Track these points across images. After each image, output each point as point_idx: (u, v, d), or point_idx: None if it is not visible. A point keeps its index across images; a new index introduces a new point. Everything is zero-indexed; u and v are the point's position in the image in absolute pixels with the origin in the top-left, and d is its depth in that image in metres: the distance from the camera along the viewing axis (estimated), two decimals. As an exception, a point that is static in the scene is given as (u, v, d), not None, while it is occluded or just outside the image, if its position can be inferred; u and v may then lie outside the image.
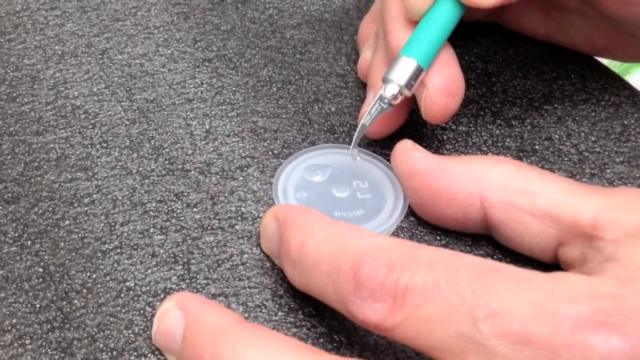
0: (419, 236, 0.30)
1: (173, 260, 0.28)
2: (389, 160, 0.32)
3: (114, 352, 0.25)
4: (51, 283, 0.28)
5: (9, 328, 0.26)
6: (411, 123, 0.34)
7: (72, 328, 0.26)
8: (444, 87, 0.30)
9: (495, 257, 0.29)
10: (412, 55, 0.30)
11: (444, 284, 0.21)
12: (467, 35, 0.40)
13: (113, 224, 0.30)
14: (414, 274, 0.21)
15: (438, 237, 0.29)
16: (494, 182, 0.27)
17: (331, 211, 0.29)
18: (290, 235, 0.25)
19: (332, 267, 0.23)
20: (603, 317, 0.20)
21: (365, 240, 0.23)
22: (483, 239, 0.29)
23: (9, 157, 0.32)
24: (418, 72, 0.30)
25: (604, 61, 0.39)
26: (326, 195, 0.30)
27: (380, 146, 0.33)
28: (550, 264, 0.27)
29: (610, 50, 0.37)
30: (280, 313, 0.27)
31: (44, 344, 0.26)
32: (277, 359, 0.21)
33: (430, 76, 0.30)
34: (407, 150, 0.29)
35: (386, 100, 0.30)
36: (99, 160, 0.32)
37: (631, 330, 0.19)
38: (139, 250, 0.29)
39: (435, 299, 0.21)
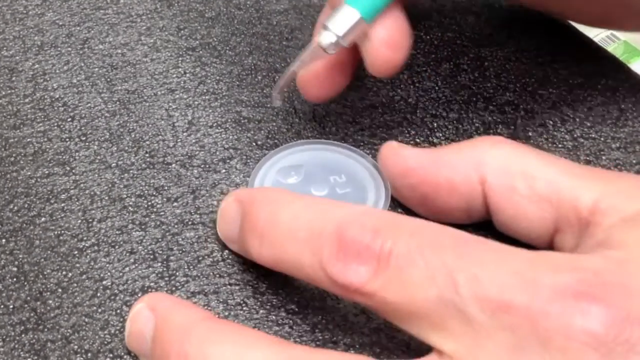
0: (406, 228, 0.28)
1: (152, 257, 0.28)
2: (368, 154, 0.31)
3: (89, 354, 0.25)
4: (25, 283, 0.27)
5: (-19, 330, 0.25)
6: (399, 111, 0.33)
7: (46, 329, 0.25)
8: (388, 40, 0.28)
9: (485, 249, 0.28)
10: (356, 6, 0.28)
11: (427, 248, 0.21)
12: (460, 18, 0.38)
13: (90, 220, 0.29)
14: (398, 239, 0.21)
15: (426, 230, 0.28)
16: (492, 165, 0.26)
17: None
18: (258, 211, 0.24)
19: (311, 232, 0.22)
20: (584, 287, 0.19)
21: (348, 208, 0.23)
22: (479, 228, 0.28)
23: (-15, 152, 0.32)
24: (360, 24, 0.28)
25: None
26: None
27: (362, 141, 0.32)
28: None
29: (609, 22, 0.35)
30: (261, 311, 0.26)
31: (16, 346, 0.25)
32: (244, 353, 0.21)
33: (374, 28, 0.28)
34: (395, 150, 0.28)
35: (322, 49, 0.28)
36: (77, 154, 0.31)
37: (613, 301, 0.19)
38: (116, 247, 0.28)
39: (417, 263, 0.20)
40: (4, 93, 0.34)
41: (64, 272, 0.27)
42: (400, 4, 0.30)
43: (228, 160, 0.31)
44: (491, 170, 0.26)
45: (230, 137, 0.32)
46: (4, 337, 0.25)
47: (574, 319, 0.18)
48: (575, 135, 0.32)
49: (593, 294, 0.19)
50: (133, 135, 0.32)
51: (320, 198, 0.24)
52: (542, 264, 0.20)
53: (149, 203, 0.29)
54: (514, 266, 0.20)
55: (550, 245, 0.26)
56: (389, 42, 0.28)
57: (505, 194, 0.26)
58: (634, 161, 0.31)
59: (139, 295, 0.26)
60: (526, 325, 0.19)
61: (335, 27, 0.28)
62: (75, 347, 0.25)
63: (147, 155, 0.31)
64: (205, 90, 0.34)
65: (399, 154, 0.28)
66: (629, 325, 0.18)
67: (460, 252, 0.20)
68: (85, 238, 0.28)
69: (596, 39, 0.38)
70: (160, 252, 0.28)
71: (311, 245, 0.22)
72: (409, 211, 0.29)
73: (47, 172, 0.31)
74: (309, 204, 0.23)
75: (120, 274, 0.27)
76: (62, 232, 0.28)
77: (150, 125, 0.33)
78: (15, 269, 0.27)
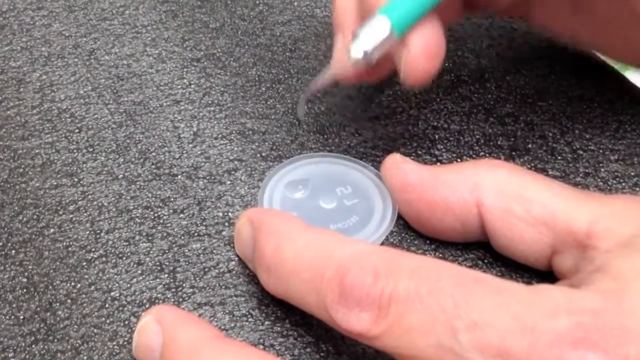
0: (408, 240, 0.29)
1: (159, 268, 0.28)
2: (377, 166, 0.31)
3: (98, 365, 0.25)
4: (35, 294, 0.27)
5: (-7, 341, 0.26)
6: (402, 123, 0.34)
7: (55, 340, 0.26)
8: (426, 50, 0.28)
9: (485, 260, 0.28)
10: (389, 16, 0.27)
11: (425, 293, 0.21)
12: (461, 29, 0.39)
13: (98, 231, 0.29)
14: (398, 283, 0.21)
15: (428, 241, 0.29)
16: (489, 188, 0.26)
17: (326, 225, 0.28)
18: (264, 241, 0.25)
19: (314, 274, 0.23)
20: (582, 333, 0.19)
21: (348, 248, 0.23)
22: (473, 242, 0.29)
23: (-6, 163, 0.32)
24: (391, 39, 0.28)
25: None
26: (315, 210, 0.29)
27: (357, 152, 0.33)
28: (546, 273, 0.27)
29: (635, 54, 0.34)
30: (267, 322, 0.26)
31: (27, 357, 0.25)
32: None
33: (411, 37, 0.28)
34: (397, 163, 0.28)
35: (352, 61, 0.28)
36: (84, 165, 0.32)
37: (610, 346, 0.19)
38: (124, 258, 0.28)
39: (417, 308, 0.21)
40: (12, 104, 0.35)
41: (72, 283, 0.28)
42: (435, 13, 0.29)
43: (233, 172, 0.32)
44: (488, 193, 0.26)
45: (235, 148, 0.33)
46: (15, 347, 0.26)
47: None
48: (574, 147, 0.33)
49: (590, 340, 0.19)
50: (139, 147, 0.33)
51: (321, 232, 0.24)
52: (540, 307, 0.20)
53: (156, 214, 0.30)
54: (512, 310, 0.20)
55: (548, 267, 0.26)
56: (426, 52, 0.28)
57: (502, 217, 0.26)
58: (632, 173, 0.31)
59: (147, 306, 0.27)
60: None
61: (365, 42, 0.28)
62: (85, 357, 0.25)
63: (153, 166, 0.32)
64: (210, 102, 0.35)
65: (400, 168, 0.28)
66: None
67: (458, 295, 0.20)
68: (93, 249, 0.29)
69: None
70: (167, 263, 0.28)
71: (315, 288, 0.23)
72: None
73: (55, 183, 0.31)
74: (311, 241, 0.24)
75: (128, 285, 0.27)
76: (71, 243, 0.29)
77: (156, 137, 0.33)
78: (25, 279, 0.28)
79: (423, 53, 0.28)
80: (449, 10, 0.32)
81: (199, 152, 0.32)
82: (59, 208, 0.30)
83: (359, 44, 0.28)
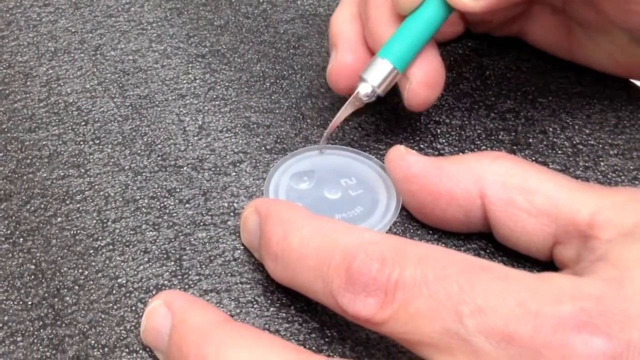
0: (411, 230, 0.29)
1: (165, 256, 0.28)
2: (379, 158, 0.32)
3: (106, 349, 0.25)
4: (43, 280, 0.28)
5: (1, 325, 0.26)
6: (404, 117, 0.34)
7: (63, 325, 0.26)
8: (426, 81, 0.30)
9: (487, 250, 0.29)
10: (390, 59, 0.30)
11: (432, 280, 0.21)
12: (462, 29, 0.39)
13: (105, 220, 0.30)
14: (404, 269, 0.21)
15: (430, 231, 0.29)
16: (492, 179, 0.27)
17: (331, 215, 0.29)
18: (271, 229, 0.25)
19: (321, 261, 0.23)
20: (585, 318, 0.19)
21: (355, 235, 0.23)
22: (475, 233, 0.29)
23: (1, 154, 0.32)
24: (394, 75, 0.30)
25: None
26: (321, 200, 0.29)
27: (361, 145, 0.33)
28: (547, 263, 0.27)
29: (635, 69, 0.35)
30: (272, 308, 0.27)
31: (35, 340, 0.26)
32: (261, 358, 0.21)
33: (413, 71, 0.30)
34: (401, 155, 0.29)
35: (360, 99, 0.30)
36: (91, 157, 0.32)
37: (613, 331, 0.19)
38: (131, 246, 0.29)
39: (423, 294, 0.21)
40: (19, 97, 0.35)
41: (80, 270, 0.28)
42: (434, 42, 0.31)
43: (238, 164, 0.32)
44: (491, 184, 0.27)
45: (240, 141, 0.33)
46: (24, 332, 0.26)
47: (576, 350, 0.19)
48: (574, 142, 0.33)
49: (594, 324, 0.19)
50: (145, 139, 0.33)
51: (327, 220, 0.24)
52: (544, 293, 0.20)
53: (162, 204, 0.30)
54: (517, 296, 0.20)
55: (549, 257, 0.27)
56: (426, 83, 0.30)
57: (504, 208, 0.26)
58: (632, 167, 0.32)
59: (154, 292, 0.27)
60: (530, 356, 0.19)
61: (372, 79, 0.30)
62: (93, 342, 0.26)
63: (159, 158, 0.32)
64: (215, 96, 0.35)
65: (404, 159, 0.29)
66: (630, 354, 0.19)
67: (464, 281, 0.21)
68: (100, 237, 0.29)
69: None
70: (173, 251, 0.29)
71: (321, 275, 0.23)
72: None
73: (62, 173, 0.31)
74: (317, 229, 0.24)
75: (135, 272, 0.28)
76: (78, 231, 0.29)
77: (161, 130, 0.34)
78: (33, 266, 0.28)
79: (423, 84, 0.30)
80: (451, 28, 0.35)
81: (204, 145, 0.33)
82: (66, 198, 0.31)
83: (366, 85, 0.30)
